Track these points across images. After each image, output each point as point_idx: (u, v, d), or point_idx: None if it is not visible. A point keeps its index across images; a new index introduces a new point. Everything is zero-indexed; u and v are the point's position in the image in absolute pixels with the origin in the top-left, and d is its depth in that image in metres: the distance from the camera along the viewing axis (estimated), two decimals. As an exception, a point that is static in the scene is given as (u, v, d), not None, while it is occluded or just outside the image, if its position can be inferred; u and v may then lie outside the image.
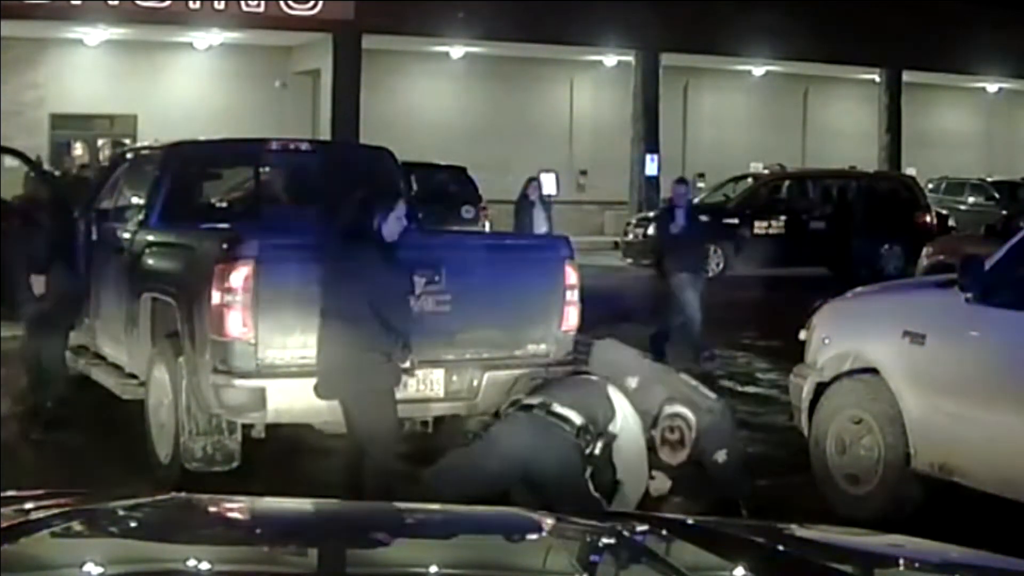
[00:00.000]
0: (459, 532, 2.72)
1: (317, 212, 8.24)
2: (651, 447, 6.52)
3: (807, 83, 33.46)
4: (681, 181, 12.63)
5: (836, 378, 7.05)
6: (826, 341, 7.21)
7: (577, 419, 6.18)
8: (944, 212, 24.59)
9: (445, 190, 22.47)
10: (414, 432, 7.60)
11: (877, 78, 32.00)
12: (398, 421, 6.56)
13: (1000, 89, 35.92)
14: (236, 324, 6.75)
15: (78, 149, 27.02)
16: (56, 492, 2.75)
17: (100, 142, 27.21)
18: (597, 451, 6.18)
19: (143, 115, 26.57)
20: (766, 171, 26.63)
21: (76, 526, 2.44)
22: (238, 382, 6.79)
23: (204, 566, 2.27)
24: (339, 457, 6.81)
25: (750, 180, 24.00)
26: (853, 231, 21.66)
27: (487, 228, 21.11)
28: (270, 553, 2.46)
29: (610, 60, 30.54)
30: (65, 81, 26.55)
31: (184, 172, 8.79)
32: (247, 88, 27.74)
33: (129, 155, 10.15)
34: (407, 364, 6.31)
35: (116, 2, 23.86)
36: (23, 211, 9.54)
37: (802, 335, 7.47)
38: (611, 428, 6.27)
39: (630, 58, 29.22)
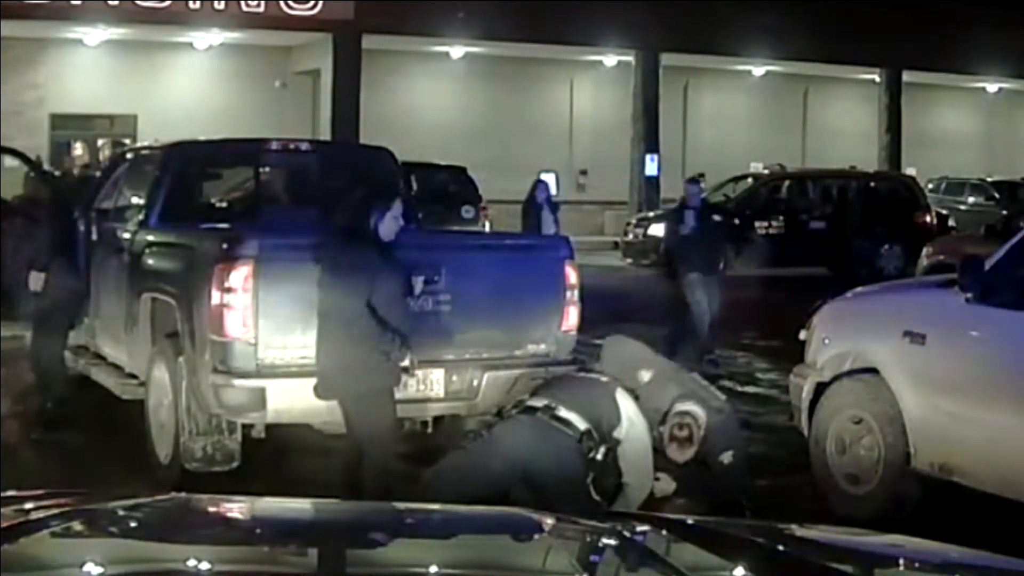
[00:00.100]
0: (459, 532, 2.72)
1: (317, 212, 8.24)
2: (658, 445, 6.52)
3: (807, 83, 33.47)
4: (693, 180, 12.50)
5: (836, 378, 7.05)
6: (826, 341, 7.21)
7: (581, 424, 6.17)
8: (944, 212, 24.59)
9: (445, 190, 22.48)
10: (414, 432, 7.60)
11: (877, 78, 32.00)
12: (397, 421, 6.56)
13: (1000, 89, 35.92)
14: (236, 324, 6.75)
15: (78, 149, 26.98)
16: (56, 492, 2.76)
17: (100, 142, 27.19)
18: (599, 456, 6.18)
19: (143, 115, 26.57)
20: (766, 171, 26.63)
21: (76, 526, 2.44)
22: (238, 382, 6.79)
23: (204, 566, 2.27)
24: (339, 457, 6.81)
25: (750, 180, 23.99)
26: (853, 231, 21.66)
27: (487, 228, 21.12)
28: (270, 553, 2.46)
29: (610, 60, 30.55)
30: (65, 81, 26.55)
31: (184, 172, 8.79)
32: (247, 88, 27.74)
33: (129, 155, 10.15)
34: (406, 363, 6.30)
35: (116, 2, 23.87)
36: (23, 211, 9.54)
37: (802, 335, 7.47)
38: (615, 434, 6.26)
39: (630, 58, 29.22)
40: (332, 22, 25.49)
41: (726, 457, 6.64)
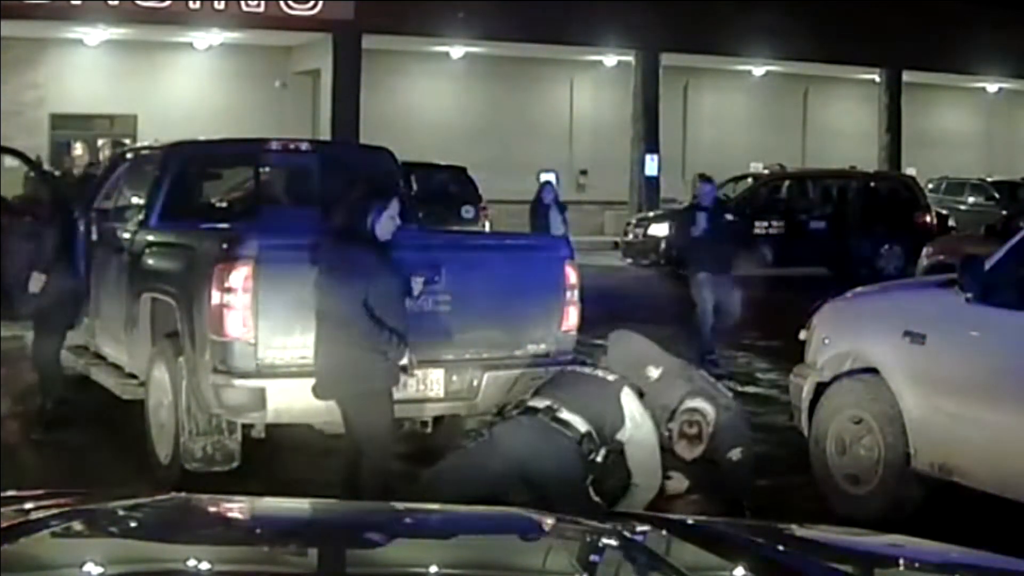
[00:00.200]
0: (459, 532, 2.72)
1: (317, 212, 8.23)
2: (666, 443, 6.51)
3: (807, 83, 33.47)
4: (706, 180, 12.40)
5: (836, 378, 7.05)
6: (826, 341, 7.21)
7: (582, 426, 6.16)
8: (944, 212, 24.58)
9: (445, 190, 22.48)
10: (414, 432, 7.60)
11: (877, 78, 32.01)
12: (396, 421, 6.55)
13: (1000, 89, 35.93)
14: (236, 324, 6.74)
15: (78, 149, 26.94)
16: (56, 492, 2.75)
17: (100, 142, 27.17)
18: (599, 458, 6.17)
19: (143, 115, 26.58)
20: (766, 171, 26.63)
21: (76, 526, 2.44)
22: (238, 382, 6.79)
23: (204, 566, 2.27)
24: (338, 457, 6.81)
25: (750, 180, 23.98)
26: (853, 231, 21.65)
27: (487, 228, 21.11)
28: (270, 553, 2.46)
29: (610, 60, 30.55)
30: (65, 81, 26.56)
31: (184, 172, 8.79)
32: (247, 88, 27.75)
33: (129, 155, 10.15)
34: (404, 362, 6.29)
35: (116, 2, 23.87)
36: (25, 211, 9.54)
37: (802, 335, 7.47)
38: (619, 436, 6.26)
39: (630, 58, 29.22)
40: (332, 22, 25.50)
41: (735, 454, 6.64)
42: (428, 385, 7.11)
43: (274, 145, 9.85)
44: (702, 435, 6.55)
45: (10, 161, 15.09)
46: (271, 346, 6.80)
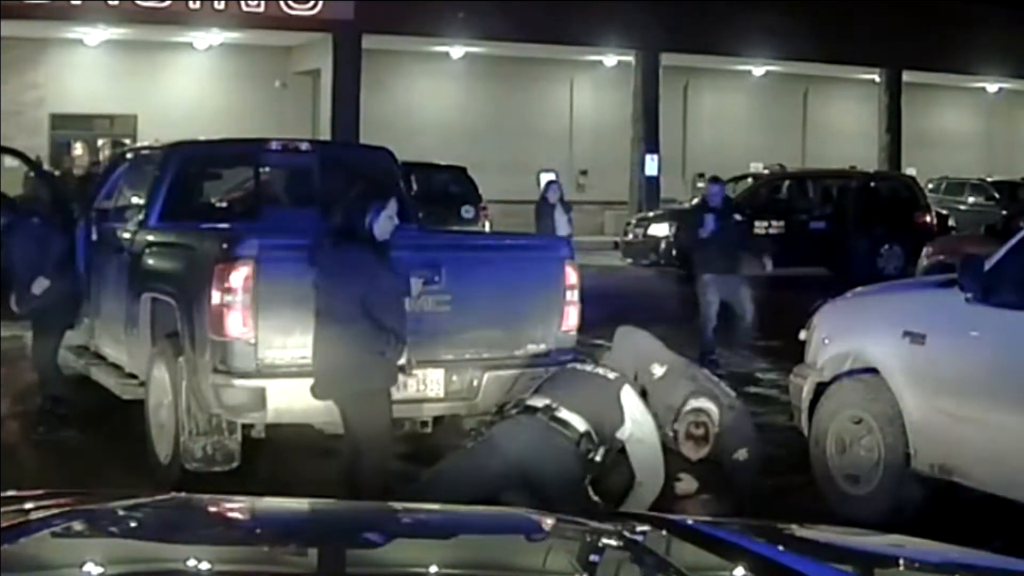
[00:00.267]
0: (459, 532, 2.72)
1: (317, 212, 8.24)
2: (671, 444, 6.50)
3: (807, 83, 33.47)
4: (716, 180, 12.34)
5: (836, 378, 7.05)
6: (826, 341, 7.21)
7: (581, 425, 6.15)
8: (944, 212, 24.56)
9: (445, 190, 22.48)
10: (414, 432, 7.60)
11: (877, 78, 32.01)
12: (395, 421, 6.54)
13: (1000, 89, 35.93)
14: (236, 324, 6.74)
15: (78, 149, 26.96)
16: (56, 492, 2.75)
17: (100, 142, 27.18)
18: (598, 458, 6.16)
19: (143, 115, 26.58)
20: (766, 171, 26.62)
21: (76, 526, 2.44)
22: (238, 382, 6.79)
23: (204, 566, 2.27)
24: (338, 457, 6.81)
25: (750, 180, 23.98)
26: (853, 231, 21.63)
27: (487, 228, 21.11)
28: (270, 553, 2.46)
29: (610, 60, 30.55)
30: (65, 81, 26.55)
31: (184, 172, 8.79)
32: (247, 88, 27.75)
33: (129, 155, 10.15)
34: (402, 362, 6.27)
35: (116, 2, 23.86)
36: (33, 211, 9.54)
37: (802, 335, 7.47)
38: (619, 434, 6.25)
39: (630, 58, 29.22)
40: (332, 22, 25.49)
41: (741, 454, 6.63)
42: (428, 385, 7.11)
43: (274, 145, 9.85)
44: (708, 436, 6.54)
45: (10, 161, 15.11)
46: (271, 346, 6.80)
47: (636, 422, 6.31)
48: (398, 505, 3.40)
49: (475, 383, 7.23)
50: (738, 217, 12.47)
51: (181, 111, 25.47)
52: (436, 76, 29.74)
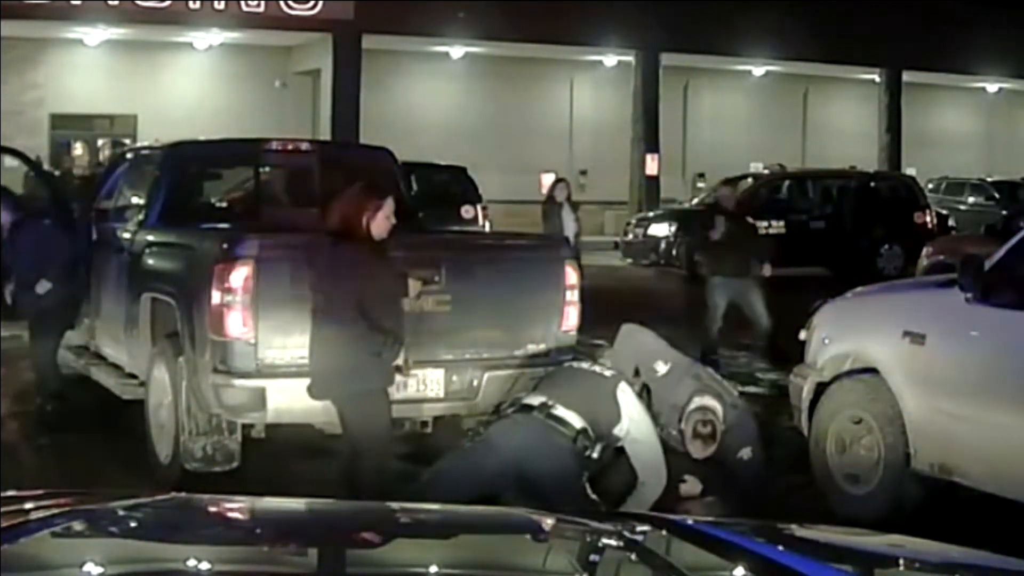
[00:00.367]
0: (459, 532, 2.72)
1: (317, 212, 8.23)
2: (677, 444, 6.49)
3: (807, 83, 33.48)
4: (728, 182, 12.18)
5: (836, 378, 7.05)
6: (826, 341, 7.21)
7: (577, 422, 6.15)
8: (944, 212, 24.57)
9: (445, 190, 22.45)
10: (414, 432, 7.60)
11: (877, 78, 32.02)
12: (393, 421, 6.53)
13: (1000, 89, 35.94)
14: (236, 324, 6.74)
15: (78, 149, 27.04)
16: (56, 492, 2.75)
17: (100, 142, 27.23)
18: (595, 454, 6.16)
19: (143, 115, 26.60)
20: (766, 171, 26.61)
21: (76, 526, 2.44)
22: (238, 382, 6.79)
23: (204, 566, 2.27)
24: (338, 457, 6.81)
25: (750, 180, 23.98)
26: (853, 231, 21.64)
27: (487, 228, 21.10)
28: (270, 553, 2.46)
29: (610, 60, 30.56)
30: (65, 81, 26.57)
31: (184, 172, 8.79)
32: (247, 88, 27.76)
33: (129, 155, 10.15)
34: (399, 363, 6.24)
35: (116, 2, 23.87)
36: (42, 212, 9.55)
37: (802, 335, 7.47)
38: (616, 431, 6.25)
39: (630, 58, 29.23)
40: (332, 22, 25.50)
41: (745, 453, 6.63)
42: (428, 385, 7.11)
43: (274, 145, 9.85)
44: (716, 433, 6.54)
45: (10, 161, 15.10)
46: (271, 346, 6.79)
47: (633, 420, 6.30)
48: (398, 505, 3.40)
49: (475, 383, 7.23)
50: (750, 220, 12.38)
51: (181, 111, 25.48)
52: (436, 76, 29.74)
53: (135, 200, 8.92)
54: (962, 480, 6.29)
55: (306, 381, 6.35)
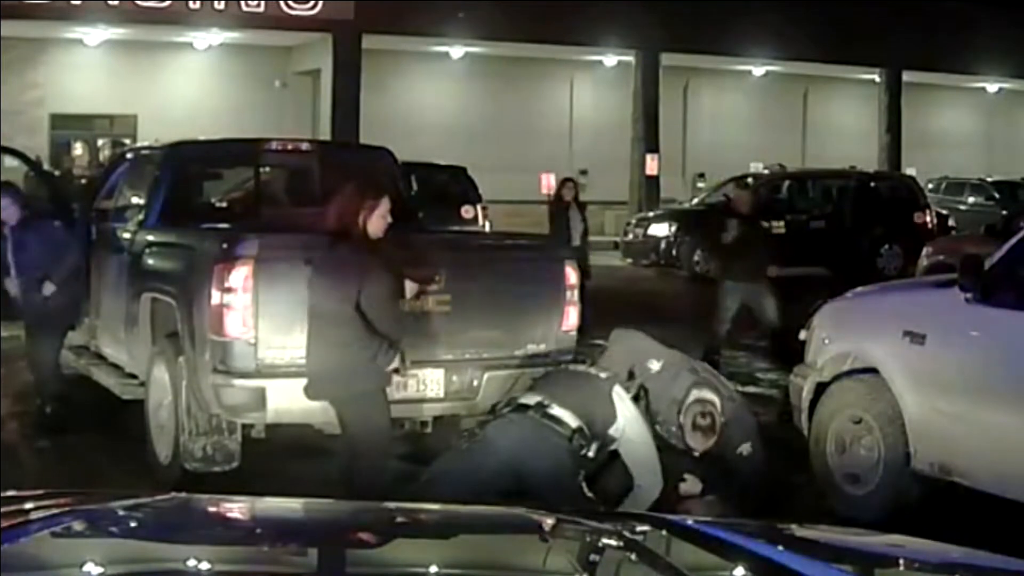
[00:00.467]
0: (459, 532, 2.72)
1: (316, 212, 8.22)
2: (676, 438, 6.49)
3: (807, 83, 33.48)
4: (744, 185, 11.91)
5: (836, 378, 7.05)
6: (826, 341, 7.21)
7: (573, 422, 6.16)
8: (944, 212, 24.57)
9: (445, 190, 22.44)
10: (414, 432, 7.60)
11: (877, 78, 32.02)
12: (392, 421, 6.52)
13: (1000, 89, 35.94)
14: (236, 324, 6.74)
15: (78, 149, 27.05)
16: (56, 492, 2.75)
17: (100, 142, 27.23)
18: (591, 454, 6.16)
19: (143, 115, 26.60)
20: (766, 171, 26.61)
21: (76, 526, 2.44)
22: (238, 382, 6.79)
23: (204, 566, 2.27)
24: (338, 457, 6.81)
25: (750, 180, 23.96)
26: (853, 231, 21.64)
27: (487, 228, 21.10)
28: (270, 553, 2.46)
29: (610, 60, 30.56)
30: (65, 81, 26.57)
31: (184, 172, 8.79)
32: (247, 88, 27.76)
33: (129, 155, 10.15)
34: (395, 365, 6.20)
35: (116, 2, 23.87)
36: (50, 214, 9.54)
37: (802, 335, 7.47)
38: (611, 431, 6.25)
39: (630, 58, 29.23)
40: (332, 22, 25.50)
41: (745, 449, 6.63)
42: (428, 385, 7.11)
43: (274, 145, 9.85)
44: (715, 425, 6.54)
45: (10, 161, 15.10)
46: (271, 346, 6.79)
47: (628, 421, 6.30)
48: (398, 505, 3.40)
49: (475, 383, 7.23)
50: (764, 224, 12.19)
51: (181, 111, 25.48)
52: (436, 76, 29.74)
53: (135, 200, 8.91)
54: (962, 480, 6.29)
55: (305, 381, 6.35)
